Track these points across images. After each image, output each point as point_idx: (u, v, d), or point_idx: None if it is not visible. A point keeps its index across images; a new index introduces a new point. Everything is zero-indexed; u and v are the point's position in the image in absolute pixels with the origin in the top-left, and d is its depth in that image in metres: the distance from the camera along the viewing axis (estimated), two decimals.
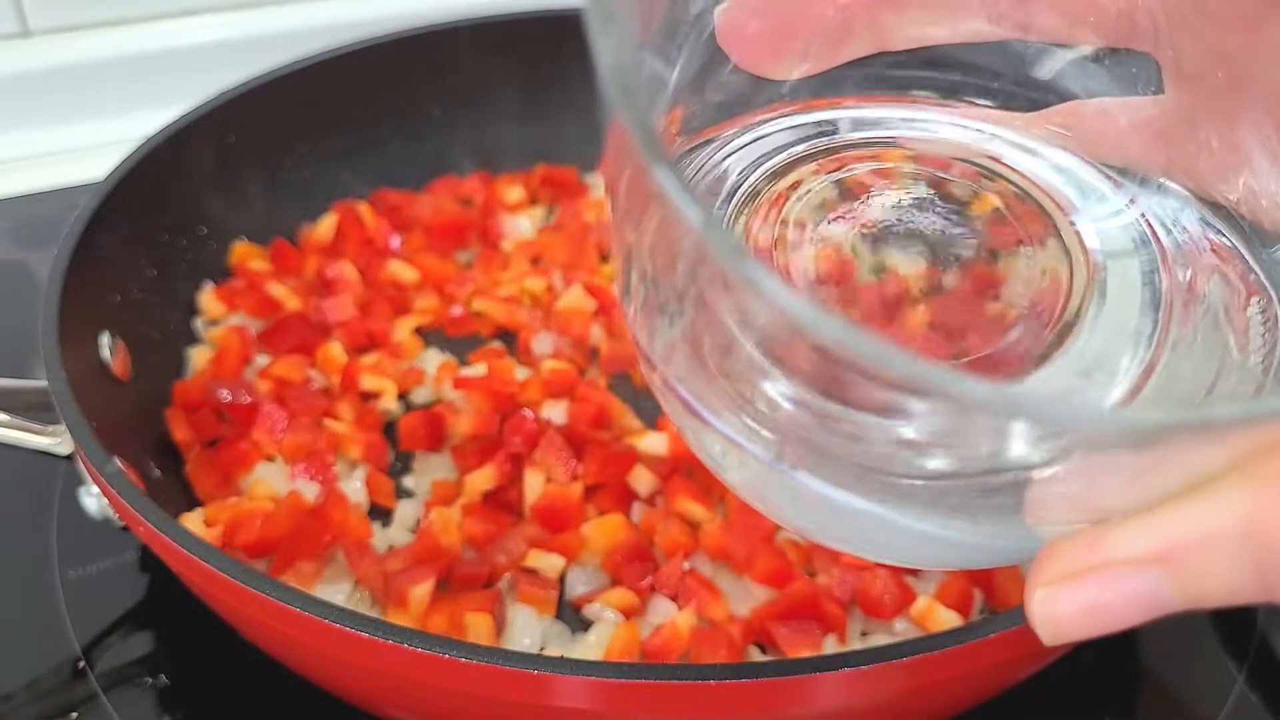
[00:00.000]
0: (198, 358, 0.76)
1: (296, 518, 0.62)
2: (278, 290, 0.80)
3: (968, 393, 0.21)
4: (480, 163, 0.95)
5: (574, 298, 0.82)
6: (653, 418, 0.74)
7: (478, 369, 0.76)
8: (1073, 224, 0.34)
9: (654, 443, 0.70)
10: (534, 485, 0.66)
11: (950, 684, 0.50)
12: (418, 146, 0.94)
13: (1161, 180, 0.34)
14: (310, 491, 0.66)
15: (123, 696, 0.60)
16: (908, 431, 0.25)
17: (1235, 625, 0.66)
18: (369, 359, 0.76)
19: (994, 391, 0.22)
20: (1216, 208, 0.33)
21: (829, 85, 0.35)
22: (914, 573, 0.63)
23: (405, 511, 0.68)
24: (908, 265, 0.32)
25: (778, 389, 0.26)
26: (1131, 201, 0.34)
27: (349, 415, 0.72)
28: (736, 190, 0.33)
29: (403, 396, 0.76)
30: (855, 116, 0.36)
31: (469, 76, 0.93)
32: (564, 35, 0.93)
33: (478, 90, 0.94)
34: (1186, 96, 0.32)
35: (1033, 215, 0.34)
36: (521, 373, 0.76)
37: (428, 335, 0.82)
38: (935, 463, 0.26)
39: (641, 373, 0.39)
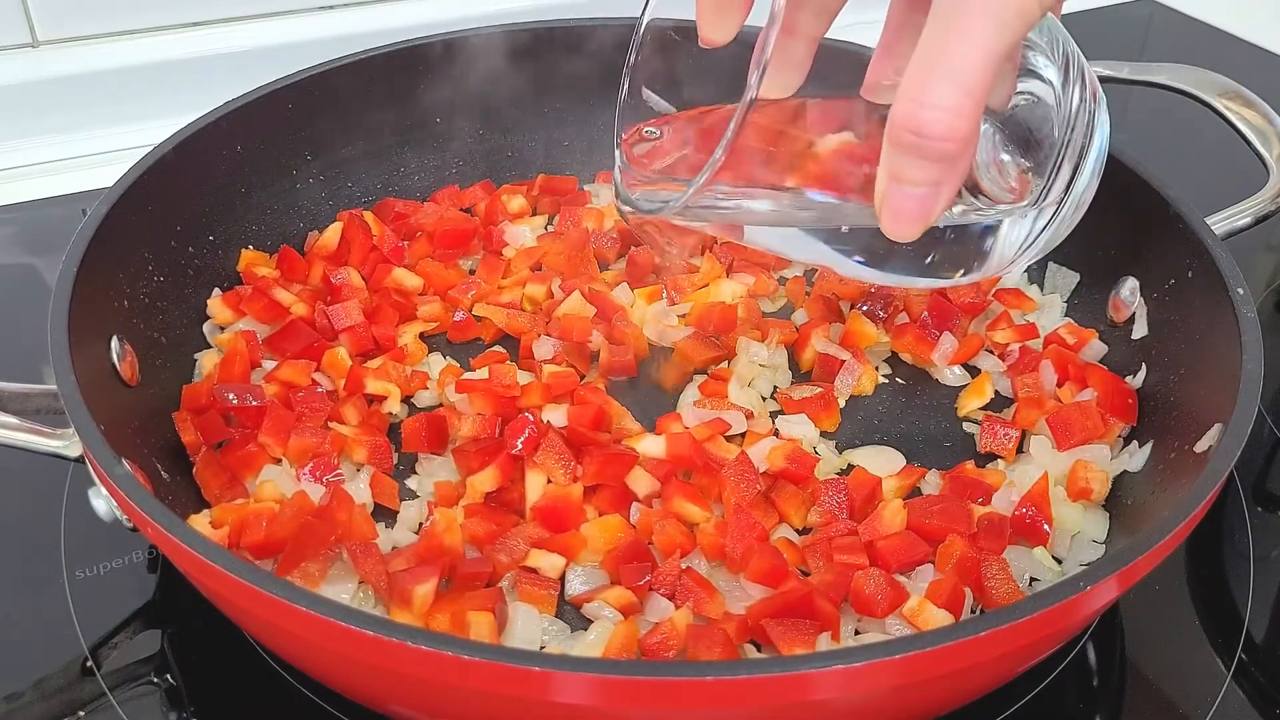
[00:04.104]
0: (206, 362, 0.77)
1: (302, 519, 0.63)
2: (284, 296, 0.81)
3: None
4: (483, 172, 0.97)
5: (574, 304, 0.83)
6: (651, 420, 0.75)
7: (480, 373, 0.77)
8: None
9: (652, 445, 0.71)
10: (535, 486, 0.68)
11: (941, 681, 0.50)
12: (422, 156, 0.95)
13: None
14: (316, 493, 0.67)
15: (129, 696, 0.61)
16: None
17: (1223, 624, 0.67)
18: (374, 363, 0.77)
19: None
20: None
21: None
22: (906, 573, 0.64)
23: (409, 512, 0.69)
24: None
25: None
26: None
27: (354, 418, 0.73)
28: None
29: (407, 400, 0.77)
30: None
31: (472, 88, 0.94)
32: (567, 47, 0.94)
33: (480, 101, 0.95)
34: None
35: None
36: (523, 377, 0.77)
37: (431, 340, 0.83)
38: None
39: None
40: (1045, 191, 0.54)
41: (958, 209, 0.54)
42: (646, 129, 0.62)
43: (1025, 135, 0.54)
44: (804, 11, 0.53)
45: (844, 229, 0.56)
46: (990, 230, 0.56)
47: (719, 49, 0.54)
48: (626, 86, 0.61)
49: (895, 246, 0.51)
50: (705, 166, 0.49)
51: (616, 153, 0.62)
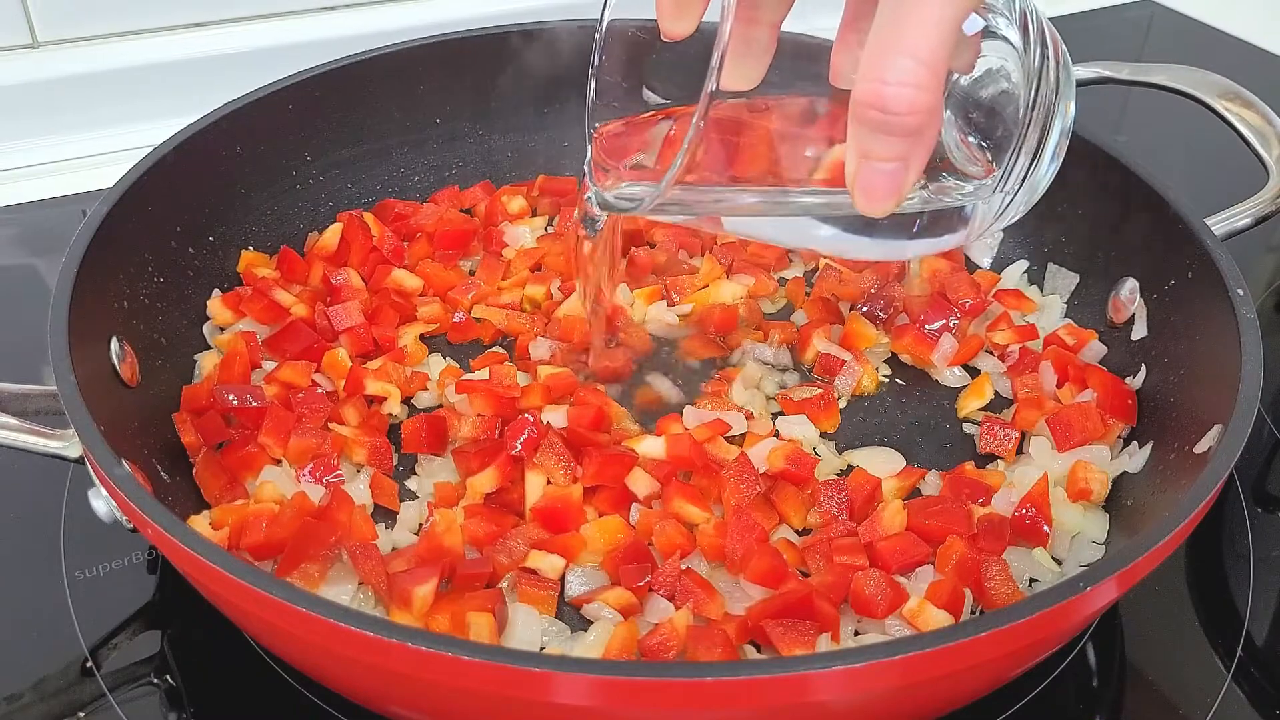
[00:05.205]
0: (205, 363, 0.77)
1: (302, 519, 0.63)
2: (284, 297, 0.81)
3: None
4: (483, 173, 0.97)
5: (573, 305, 0.83)
6: (651, 421, 0.75)
7: (480, 374, 0.77)
8: None
9: (652, 446, 0.71)
10: (534, 487, 0.68)
11: (940, 682, 0.50)
12: (422, 157, 0.95)
13: None
14: (316, 494, 0.67)
15: (129, 696, 0.61)
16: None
17: (1222, 625, 0.67)
18: (374, 364, 0.77)
19: None
20: None
21: None
22: (906, 574, 0.64)
23: (409, 513, 0.69)
24: None
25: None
26: None
27: (354, 419, 0.73)
28: None
29: (407, 401, 0.77)
30: None
31: (472, 89, 0.94)
32: (566, 48, 0.94)
33: (480, 102, 0.95)
34: None
35: None
36: (523, 378, 0.77)
37: (431, 341, 0.83)
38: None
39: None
40: (1017, 153, 0.55)
41: (932, 186, 0.55)
42: (617, 128, 0.63)
43: (992, 101, 0.55)
44: None
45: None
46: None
47: (683, 41, 0.55)
48: (593, 87, 0.61)
49: (875, 222, 0.52)
50: (674, 160, 0.49)
51: (588, 151, 0.62)
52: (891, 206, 0.50)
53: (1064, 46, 0.55)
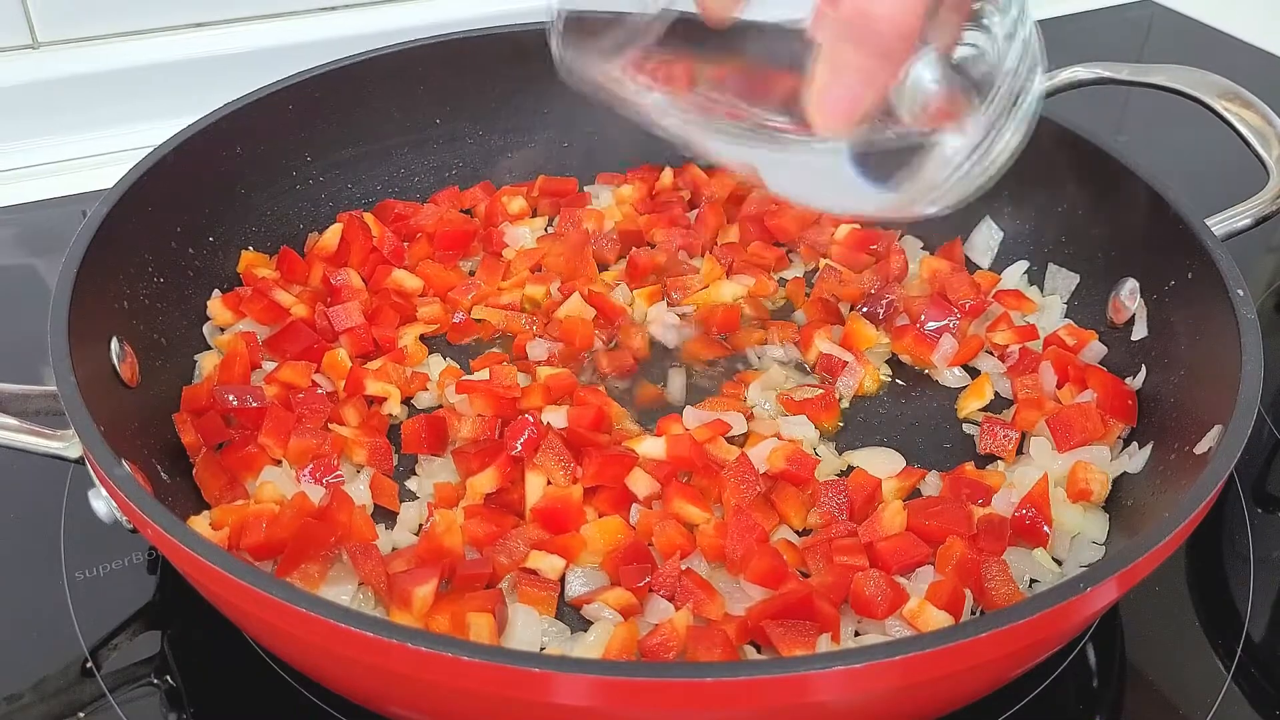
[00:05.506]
0: (205, 363, 0.77)
1: (302, 520, 0.63)
2: (284, 297, 0.81)
3: None
4: (483, 173, 0.97)
5: (574, 306, 0.83)
6: (651, 421, 0.75)
7: (481, 374, 0.77)
8: None
9: (652, 447, 0.71)
10: (535, 488, 0.68)
11: (941, 683, 0.51)
12: (422, 157, 0.95)
13: None
14: (316, 494, 0.67)
15: (129, 697, 0.61)
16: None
17: (1222, 625, 0.67)
18: (374, 365, 0.77)
19: None
20: None
21: None
22: (906, 575, 0.64)
23: (409, 513, 0.69)
24: None
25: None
26: None
27: (354, 420, 0.73)
28: None
29: (407, 401, 0.77)
30: None
31: (472, 89, 0.94)
32: None
33: (481, 102, 0.95)
34: None
35: None
36: (523, 378, 0.77)
37: (431, 341, 0.83)
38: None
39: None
40: (974, 119, 0.56)
41: (887, 133, 0.56)
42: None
43: (961, 75, 0.56)
44: None
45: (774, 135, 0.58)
46: (918, 150, 0.57)
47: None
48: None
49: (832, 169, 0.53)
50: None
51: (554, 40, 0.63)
52: (846, 124, 0.50)
53: (1037, 39, 0.56)
